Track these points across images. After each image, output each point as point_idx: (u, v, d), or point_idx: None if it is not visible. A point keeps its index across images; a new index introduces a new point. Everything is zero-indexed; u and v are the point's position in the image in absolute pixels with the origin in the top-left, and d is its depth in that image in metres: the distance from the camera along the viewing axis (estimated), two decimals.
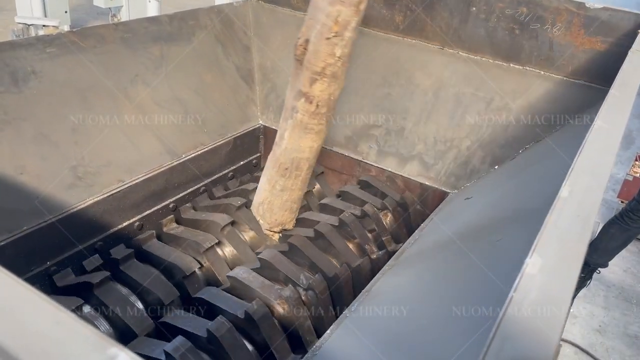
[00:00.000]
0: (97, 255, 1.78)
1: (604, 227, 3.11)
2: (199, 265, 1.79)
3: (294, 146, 1.84)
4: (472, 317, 0.95)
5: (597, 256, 3.12)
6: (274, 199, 1.96)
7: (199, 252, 1.83)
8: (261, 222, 2.00)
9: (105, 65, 2.01)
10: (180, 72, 2.28)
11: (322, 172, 2.45)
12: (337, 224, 1.94)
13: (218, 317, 1.53)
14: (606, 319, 3.77)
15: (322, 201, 2.17)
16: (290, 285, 1.70)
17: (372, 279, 1.62)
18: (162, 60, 2.22)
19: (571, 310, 3.61)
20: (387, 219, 2.18)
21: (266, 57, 2.65)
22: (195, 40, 2.38)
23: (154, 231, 1.89)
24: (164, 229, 1.96)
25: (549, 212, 0.65)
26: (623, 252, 3.55)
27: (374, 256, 1.95)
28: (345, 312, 1.48)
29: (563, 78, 2.14)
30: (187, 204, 2.14)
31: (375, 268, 1.86)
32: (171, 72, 2.24)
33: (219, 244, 1.89)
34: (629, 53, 1.56)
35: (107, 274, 1.65)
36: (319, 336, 1.55)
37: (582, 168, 0.74)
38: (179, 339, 1.44)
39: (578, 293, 3.25)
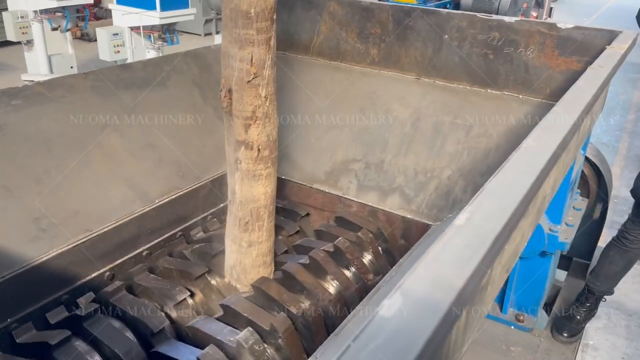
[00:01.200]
0: (62, 306, 1.72)
1: (603, 252, 2.96)
2: (168, 322, 1.72)
3: (247, 197, 1.78)
4: None
5: (600, 283, 2.96)
6: (244, 259, 1.88)
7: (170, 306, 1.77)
8: (238, 286, 1.92)
9: (74, 114, 2.01)
10: (155, 117, 2.27)
11: (308, 214, 2.39)
12: (307, 262, 1.87)
13: (209, 346, 1.53)
14: (629, 350, 3.56)
15: (297, 242, 2.11)
16: (283, 313, 1.64)
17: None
18: (134, 107, 2.21)
19: (591, 342, 3.43)
20: (364, 251, 2.10)
21: None
22: (170, 85, 2.38)
23: (122, 282, 1.83)
24: (135, 279, 1.91)
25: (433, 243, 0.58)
26: None
27: (346, 293, 1.87)
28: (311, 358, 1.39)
29: (542, 100, 2.08)
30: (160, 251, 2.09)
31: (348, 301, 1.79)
32: (144, 118, 2.23)
33: (192, 295, 1.84)
34: (588, 69, 1.50)
35: (68, 333, 1.58)
36: None
37: (491, 191, 0.67)
38: None
39: (585, 324, 3.08)
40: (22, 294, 1.67)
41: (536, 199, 0.90)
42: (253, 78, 1.59)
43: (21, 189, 1.76)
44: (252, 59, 1.56)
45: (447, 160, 2.15)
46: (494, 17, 2.11)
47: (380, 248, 2.12)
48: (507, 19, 2.08)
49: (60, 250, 1.76)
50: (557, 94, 2.03)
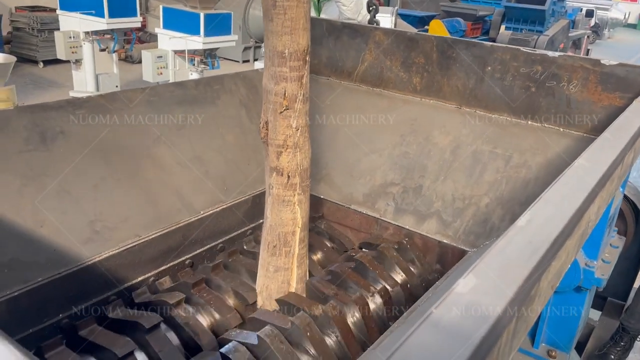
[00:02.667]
0: (121, 299, 1.80)
1: (638, 290, 2.91)
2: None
3: (276, 221, 1.87)
4: None
5: (634, 321, 2.90)
6: (270, 283, 1.92)
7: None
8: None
9: (130, 126, 2.13)
10: (203, 133, 2.37)
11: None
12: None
13: None
14: None
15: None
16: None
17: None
18: (185, 121, 2.33)
19: None
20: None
21: None
22: (219, 104, 2.50)
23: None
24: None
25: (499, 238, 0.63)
26: None
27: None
28: None
29: (583, 134, 2.11)
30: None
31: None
32: (194, 133, 2.34)
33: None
34: (634, 101, 1.53)
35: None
36: None
37: (547, 200, 0.72)
38: None
39: None
40: (73, 291, 1.76)
41: (582, 221, 0.94)
42: (285, 110, 1.74)
43: (79, 193, 1.86)
44: (285, 93, 1.72)
45: (485, 188, 2.18)
46: (538, 51, 2.16)
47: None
48: (550, 53, 2.13)
49: (111, 253, 1.85)
50: (598, 129, 2.06)
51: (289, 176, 1.81)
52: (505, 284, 0.54)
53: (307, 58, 1.72)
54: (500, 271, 0.57)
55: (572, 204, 0.74)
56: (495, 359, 0.71)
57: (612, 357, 2.95)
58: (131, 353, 1.59)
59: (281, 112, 1.74)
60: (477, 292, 0.52)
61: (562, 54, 2.13)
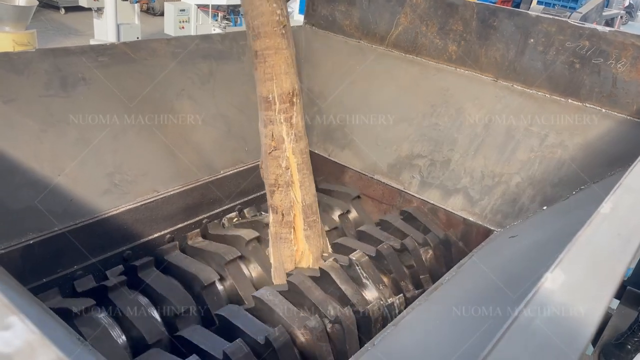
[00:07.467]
0: (121, 265, 1.77)
1: None
2: (219, 277, 1.74)
3: (278, 260, 1.89)
4: None
5: None
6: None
7: (221, 264, 1.78)
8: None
9: (153, 77, 2.05)
10: (227, 90, 2.29)
11: (358, 196, 2.37)
12: (373, 255, 1.85)
13: (237, 340, 1.46)
14: None
15: (361, 228, 2.09)
16: (316, 315, 1.61)
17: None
18: (210, 76, 2.24)
19: None
20: (428, 256, 2.06)
21: (314, 82, 2.63)
22: (244, 60, 2.40)
23: (177, 242, 1.86)
24: (189, 242, 1.93)
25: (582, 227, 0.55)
26: None
27: (409, 294, 1.84)
28: (367, 345, 1.38)
29: (627, 117, 1.99)
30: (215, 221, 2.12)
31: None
32: (218, 89, 2.26)
33: (241, 258, 1.85)
34: None
35: (123, 278, 1.62)
36: None
37: (631, 185, 0.64)
38: (193, 358, 1.39)
39: (635, 355, 2.95)
40: (89, 243, 1.72)
41: None
42: (273, 150, 1.80)
43: (99, 143, 1.81)
44: (272, 135, 1.79)
45: (517, 166, 2.09)
46: (587, 25, 2.03)
47: (443, 254, 2.09)
48: (600, 28, 2.00)
49: (128, 207, 1.80)
50: None
51: (282, 214, 1.85)
52: (600, 281, 0.47)
53: (295, 100, 1.77)
54: (590, 266, 0.50)
55: None
56: None
57: (629, 347, 2.88)
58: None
59: (270, 153, 1.81)
60: (569, 289, 0.45)
61: (612, 29, 1.99)
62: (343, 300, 1.70)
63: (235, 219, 2.21)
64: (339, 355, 1.60)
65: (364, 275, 1.80)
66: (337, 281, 1.72)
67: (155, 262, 1.81)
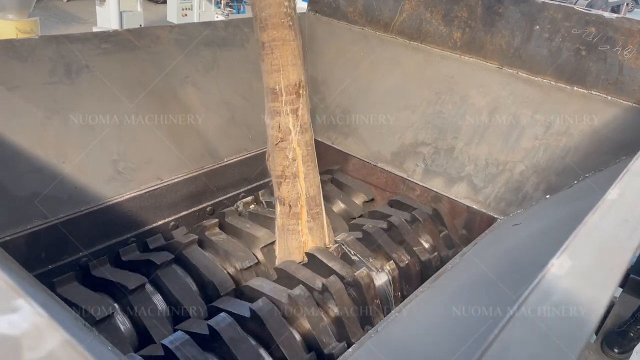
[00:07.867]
0: (134, 244, 1.79)
1: None
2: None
3: (284, 251, 1.91)
4: None
5: None
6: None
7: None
8: None
9: (157, 64, 2.04)
10: (231, 77, 2.28)
11: (373, 199, 2.38)
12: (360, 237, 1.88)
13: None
14: None
15: (352, 222, 2.11)
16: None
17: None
18: (213, 64, 2.24)
19: None
20: (419, 230, 2.08)
21: (318, 69, 2.62)
22: (248, 47, 2.39)
23: (196, 237, 1.87)
24: (206, 234, 1.94)
25: (589, 213, 0.55)
26: None
27: (402, 264, 1.87)
28: (371, 332, 1.39)
29: (632, 104, 1.98)
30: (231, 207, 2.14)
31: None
32: (221, 76, 2.25)
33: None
34: None
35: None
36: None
37: (638, 172, 0.63)
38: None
39: (638, 343, 2.96)
40: (95, 230, 1.73)
41: None
42: (280, 142, 1.80)
43: (103, 130, 1.81)
44: (279, 126, 1.79)
45: (521, 154, 2.08)
46: (593, 11, 2.01)
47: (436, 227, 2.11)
48: (607, 14, 1.98)
49: (132, 194, 1.81)
50: None
51: (290, 205, 1.86)
52: (607, 268, 0.47)
53: (301, 91, 1.77)
54: (597, 253, 0.50)
55: None
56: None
57: (632, 334, 2.89)
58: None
59: (277, 144, 1.81)
60: (575, 276, 0.45)
61: (619, 16, 1.97)
62: (330, 274, 1.74)
63: (252, 204, 2.23)
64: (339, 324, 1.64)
65: (352, 252, 1.88)
66: (324, 260, 1.77)
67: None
